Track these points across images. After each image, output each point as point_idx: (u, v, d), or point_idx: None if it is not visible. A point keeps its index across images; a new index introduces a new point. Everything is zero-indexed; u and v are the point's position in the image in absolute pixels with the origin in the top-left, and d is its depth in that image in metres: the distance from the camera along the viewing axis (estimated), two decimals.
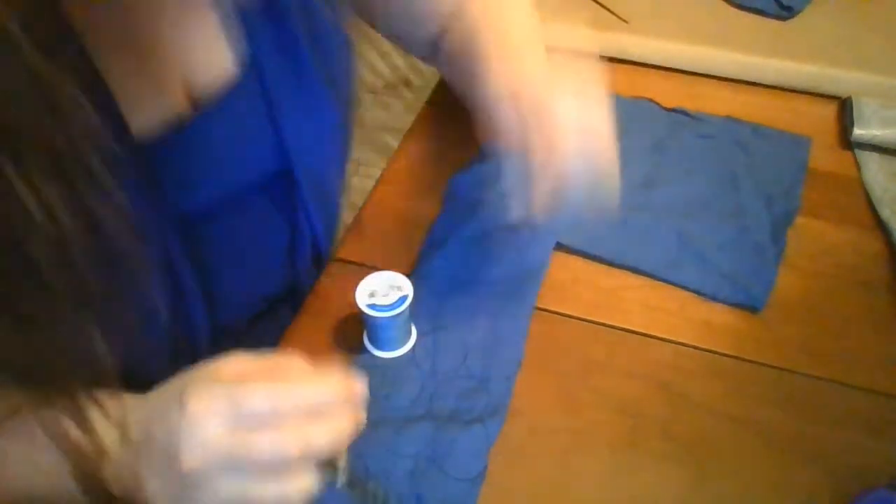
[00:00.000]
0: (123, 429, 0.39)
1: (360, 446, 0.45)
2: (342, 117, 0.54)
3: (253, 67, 0.47)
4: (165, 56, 0.44)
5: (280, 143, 0.49)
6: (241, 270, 0.55)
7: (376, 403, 0.48)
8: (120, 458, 0.38)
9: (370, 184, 0.65)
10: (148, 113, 0.43)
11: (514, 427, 0.47)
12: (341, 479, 0.40)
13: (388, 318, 0.47)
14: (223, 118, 0.46)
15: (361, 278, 0.48)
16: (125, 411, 0.39)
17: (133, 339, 0.44)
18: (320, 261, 0.60)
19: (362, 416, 0.40)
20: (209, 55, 0.46)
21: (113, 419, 0.38)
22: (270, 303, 0.60)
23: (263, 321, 0.60)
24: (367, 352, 0.51)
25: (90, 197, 0.36)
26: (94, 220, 0.37)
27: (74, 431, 0.37)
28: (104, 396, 0.39)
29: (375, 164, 1.57)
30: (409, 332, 0.52)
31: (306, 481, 0.36)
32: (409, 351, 0.51)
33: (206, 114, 0.46)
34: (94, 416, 0.37)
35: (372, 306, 0.47)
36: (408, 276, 0.49)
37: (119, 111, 0.40)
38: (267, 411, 0.37)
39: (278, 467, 0.36)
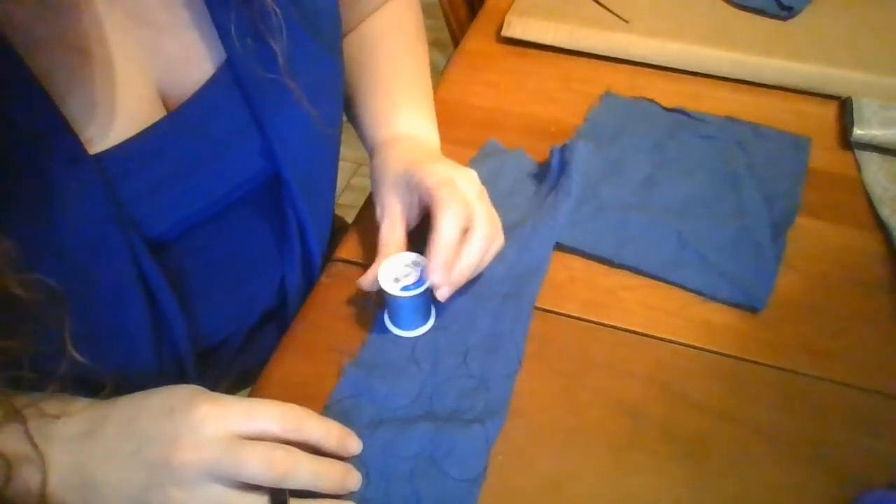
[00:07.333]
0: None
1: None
2: (330, 119, 0.52)
3: (226, 63, 0.44)
4: (130, 58, 0.41)
5: (266, 142, 0.47)
6: (226, 289, 0.53)
7: (376, 403, 0.48)
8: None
9: (370, 184, 0.65)
10: (116, 121, 0.40)
11: (515, 427, 0.47)
12: None
13: (415, 296, 0.48)
14: (199, 117, 0.44)
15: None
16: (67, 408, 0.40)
17: (113, 360, 0.44)
18: (310, 273, 0.58)
19: (355, 477, 0.42)
20: (182, 55, 0.43)
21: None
22: (260, 319, 0.59)
23: (253, 336, 0.59)
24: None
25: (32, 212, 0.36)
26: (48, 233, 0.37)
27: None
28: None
29: None
30: (431, 309, 0.53)
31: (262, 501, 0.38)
32: (429, 330, 0.52)
33: (180, 114, 0.43)
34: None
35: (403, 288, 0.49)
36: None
37: (62, 122, 0.37)
38: (270, 431, 0.38)
39: (254, 485, 0.37)
